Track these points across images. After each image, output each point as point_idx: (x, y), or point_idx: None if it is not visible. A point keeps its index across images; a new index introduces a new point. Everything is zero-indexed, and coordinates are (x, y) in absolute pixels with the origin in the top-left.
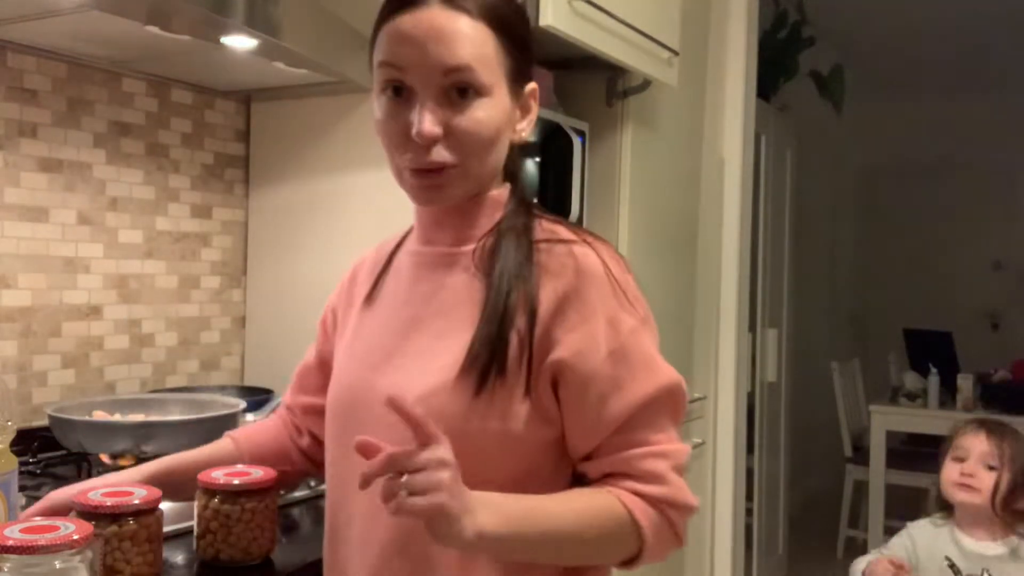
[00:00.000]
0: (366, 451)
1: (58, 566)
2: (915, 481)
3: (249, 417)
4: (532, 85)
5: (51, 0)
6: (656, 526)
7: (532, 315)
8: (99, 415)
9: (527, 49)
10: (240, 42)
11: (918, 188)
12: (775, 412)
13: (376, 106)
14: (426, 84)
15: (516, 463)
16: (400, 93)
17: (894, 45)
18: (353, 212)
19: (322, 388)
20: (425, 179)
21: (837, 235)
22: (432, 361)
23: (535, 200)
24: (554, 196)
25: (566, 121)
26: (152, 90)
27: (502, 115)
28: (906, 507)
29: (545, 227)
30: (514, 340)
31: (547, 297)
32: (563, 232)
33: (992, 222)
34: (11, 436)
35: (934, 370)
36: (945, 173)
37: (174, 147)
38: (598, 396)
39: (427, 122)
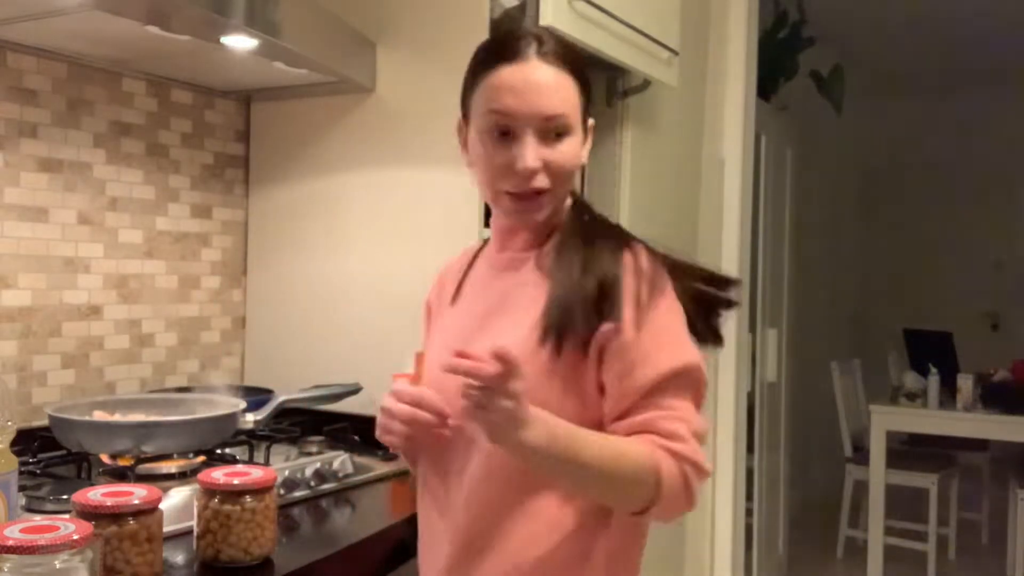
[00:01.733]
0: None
1: (58, 566)
2: (915, 481)
3: (249, 417)
4: (591, 120)
5: (51, 0)
6: (673, 478)
7: (590, 300)
8: (99, 415)
9: (590, 90)
10: (240, 42)
11: (918, 188)
12: (775, 412)
13: (477, 141)
14: (528, 127)
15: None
16: (505, 134)
17: (894, 45)
18: (353, 212)
19: None
20: (524, 203)
21: (837, 235)
22: (506, 339)
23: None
24: None
25: None
26: (152, 90)
27: (580, 147)
28: (906, 507)
29: (595, 229)
30: (578, 314)
31: (598, 283)
32: (608, 232)
33: (992, 222)
34: (11, 436)
35: (934, 370)
36: (945, 173)
37: (174, 147)
38: (631, 364)
39: (531, 159)
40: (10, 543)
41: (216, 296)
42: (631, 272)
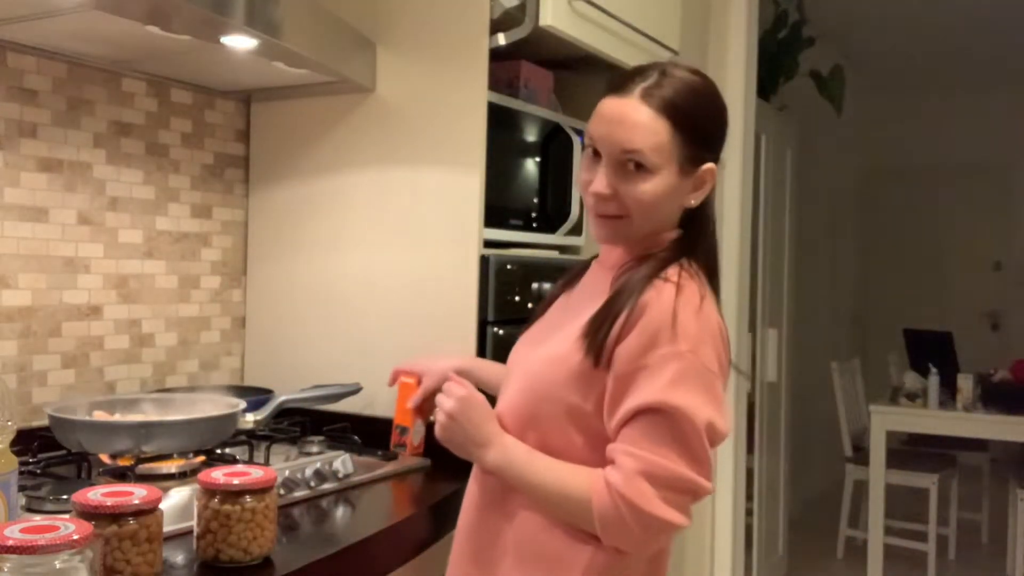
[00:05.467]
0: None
1: (58, 566)
2: (915, 481)
3: (249, 417)
4: (708, 166)
5: (51, 0)
6: (606, 510)
7: (622, 325)
8: (99, 415)
9: (708, 139)
10: (240, 42)
11: (918, 188)
12: (775, 412)
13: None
14: (608, 155)
15: (573, 437)
16: (597, 154)
17: (894, 45)
18: (353, 212)
19: None
20: (598, 223)
21: (837, 235)
22: (555, 342)
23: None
24: (554, 196)
25: (566, 121)
26: (152, 90)
27: (665, 189)
28: (906, 507)
29: (668, 271)
30: (607, 340)
31: (632, 315)
32: (671, 274)
33: (992, 222)
34: (11, 436)
35: (934, 370)
36: (945, 173)
37: (174, 147)
38: (618, 393)
39: (598, 184)
40: (10, 543)
41: (216, 296)
42: (658, 307)
